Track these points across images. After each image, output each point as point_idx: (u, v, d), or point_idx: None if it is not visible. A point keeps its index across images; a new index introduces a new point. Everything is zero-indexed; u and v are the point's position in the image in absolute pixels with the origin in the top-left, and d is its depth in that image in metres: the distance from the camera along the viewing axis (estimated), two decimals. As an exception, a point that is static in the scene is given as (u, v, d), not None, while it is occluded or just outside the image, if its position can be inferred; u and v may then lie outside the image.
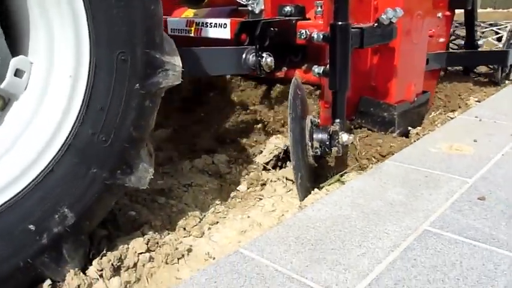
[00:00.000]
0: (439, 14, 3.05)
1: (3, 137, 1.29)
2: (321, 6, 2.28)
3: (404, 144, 2.45)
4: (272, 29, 2.16)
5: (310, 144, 2.02)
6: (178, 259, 1.53)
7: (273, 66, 2.11)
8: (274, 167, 2.37)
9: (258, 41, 2.09)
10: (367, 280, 1.27)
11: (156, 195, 2.04)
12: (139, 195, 2.00)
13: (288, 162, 2.34)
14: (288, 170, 2.22)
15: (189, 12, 2.96)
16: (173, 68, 1.38)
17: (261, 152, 2.45)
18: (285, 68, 2.33)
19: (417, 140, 2.55)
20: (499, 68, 3.89)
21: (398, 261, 1.36)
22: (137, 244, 1.51)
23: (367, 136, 2.55)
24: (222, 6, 2.90)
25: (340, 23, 1.97)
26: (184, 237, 1.68)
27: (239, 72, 2.44)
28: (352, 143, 2.24)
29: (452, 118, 2.94)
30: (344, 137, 2.01)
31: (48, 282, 1.29)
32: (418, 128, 2.76)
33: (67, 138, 1.28)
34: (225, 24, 2.35)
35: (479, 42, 3.79)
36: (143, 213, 1.84)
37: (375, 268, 1.33)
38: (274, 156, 2.37)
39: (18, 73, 1.29)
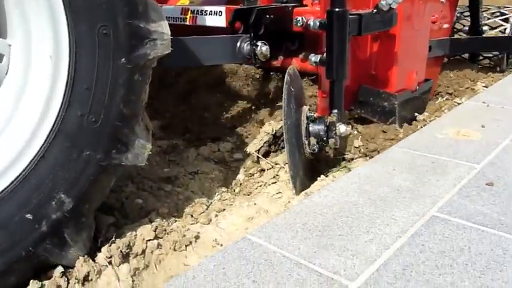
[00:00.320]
0: None
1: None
2: None
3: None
4: (267, 16, 2.09)
5: (306, 142, 1.96)
6: (186, 246, 1.53)
7: (269, 55, 2.05)
8: (266, 154, 2.30)
9: (252, 29, 2.02)
10: (375, 265, 1.27)
11: (163, 183, 2.05)
12: (145, 182, 2.00)
13: (280, 147, 2.31)
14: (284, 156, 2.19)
15: (185, 0, 2.91)
16: (161, 36, 1.30)
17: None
18: (281, 57, 2.26)
19: (423, 126, 2.53)
20: (504, 55, 3.81)
21: (406, 247, 1.36)
22: (145, 231, 1.52)
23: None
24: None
25: (337, 9, 1.91)
26: (192, 224, 1.68)
27: (233, 62, 2.39)
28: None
29: (459, 104, 2.91)
30: (341, 128, 1.95)
31: (59, 269, 1.30)
32: (425, 114, 2.74)
33: (55, 122, 1.23)
34: (220, 11, 2.29)
35: (484, 28, 3.73)
36: (150, 200, 1.85)
37: (383, 254, 1.33)
38: (264, 143, 2.29)
39: (-3, 57, 1.23)
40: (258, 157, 2.24)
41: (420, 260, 1.29)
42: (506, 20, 3.90)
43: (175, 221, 1.68)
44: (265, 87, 2.93)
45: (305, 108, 2.03)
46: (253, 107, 2.82)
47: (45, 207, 1.24)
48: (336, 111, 2.01)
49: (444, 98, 3.10)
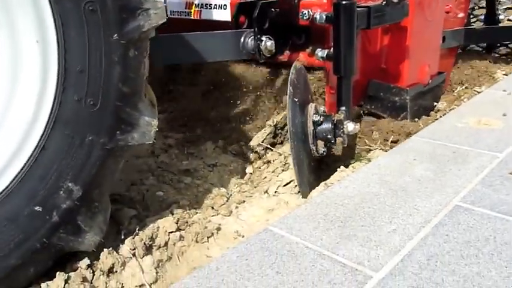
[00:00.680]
0: None
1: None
2: None
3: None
4: (272, 9, 2.01)
5: (314, 147, 1.88)
6: (207, 238, 1.55)
7: (274, 50, 1.98)
8: (273, 144, 2.30)
9: (256, 23, 1.95)
10: (400, 256, 1.26)
11: (182, 175, 2.07)
12: (166, 175, 2.02)
13: (285, 138, 2.29)
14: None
15: None
16: (154, 5, 1.21)
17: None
18: (287, 52, 2.18)
19: (443, 115, 2.49)
20: None
21: (430, 237, 1.35)
22: (167, 223, 1.53)
23: None
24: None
25: (344, 2, 1.82)
26: (213, 216, 1.69)
27: (238, 58, 2.29)
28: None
29: (479, 92, 2.86)
30: (350, 126, 1.86)
31: (85, 262, 1.32)
32: (444, 103, 2.70)
33: (52, 109, 1.17)
34: (224, 5, 2.23)
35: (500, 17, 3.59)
36: (170, 193, 1.87)
37: (407, 244, 1.32)
38: (267, 135, 2.28)
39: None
40: (266, 148, 2.24)
41: (445, 250, 1.28)
42: None
43: (196, 213, 1.69)
44: (275, 83, 2.89)
45: (311, 108, 1.91)
46: (262, 101, 2.79)
47: (53, 197, 1.21)
48: (343, 108, 1.92)
49: (463, 87, 3.04)
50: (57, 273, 1.27)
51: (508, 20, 3.80)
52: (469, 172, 1.74)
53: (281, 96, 2.75)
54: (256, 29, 1.94)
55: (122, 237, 1.48)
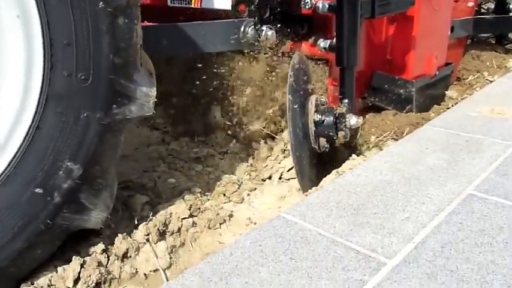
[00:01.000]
0: None
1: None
2: None
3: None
4: None
5: (316, 144, 1.81)
6: (220, 224, 1.56)
7: (275, 40, 1.89)
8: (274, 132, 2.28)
9: (256, 13, 1.89)
10: (413, 244, 1.26)
11: (193, 163, 2.07)
12: (177, 162, 2.03)
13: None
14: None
15: None
16: None
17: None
18: (289, 42, 2.12)
19: (455, 104, 2.47)
20: None
21: (443, 225, 1.34)
22: (180, 210, 1.54)
23: None
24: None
25: None
26: (225, 203, 1.70)
27: (237, 48, 2.20)
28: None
29: (491, 81, 2.83)
30: (352, 120, 1.79)
31: (100, 246, 1.33)
32: (456, 92, 2.68)
33: (41, 88, 1.12)
34: None
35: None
36: (182, 180, 1.88)
37: (420, 232, 1.32)
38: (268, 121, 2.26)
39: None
40: (267, 133, 2.23)
41: (459, 238, 1.28)
42: None
43: (208, 199, 1.70)
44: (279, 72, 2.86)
45: (312, 100, 1.81)
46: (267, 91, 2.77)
47: (53, 178, 1.17)
48: (346, 101, 1.85)
49: (475, 76, 3.01)
50: (73, 257, 1.29)
51: None
52: (483, 161, 1.73)
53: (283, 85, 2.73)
54: (256, 18, 1.88)
55: (136, 223, 1.50)
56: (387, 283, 1.11)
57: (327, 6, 1.88)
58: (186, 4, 2.43)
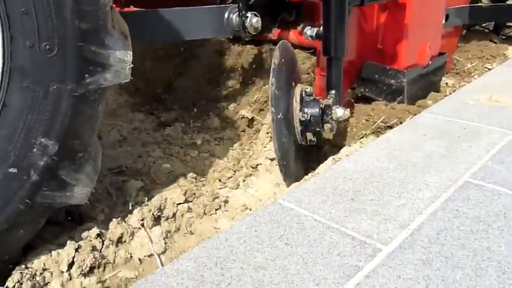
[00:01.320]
0: None
1: None
2: None
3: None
4: None
5: (301, 136, 1.73)
6: (216, 210, 1.55)
7: (260, 28, 1.82)
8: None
9: None
10: (409, 230, 1.26)
11: (189, 148, 2.06)
12: (172, 148, 2.01)
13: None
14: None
15: None
16: None
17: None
18: (276, 29, 2.04)
19: (453, 92, 2.46)
20: None
21: (439, 212, 1.34)
22: (175, 195, 1.53)
23: None
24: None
25: None
26: (220, 188, 1.69)
27: (221, 36, 2.15)
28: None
29: (490, 69, 2.82)
30: (339, 112, 1.71)
31: (95, 231, 1.32)
32: (454, 80, 2.66)
33: (3, 62, 1.05)
34: None
35: None
36: (177, 165, 1.86)
37: (416, 218, 1.31)
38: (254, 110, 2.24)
39: None
40: (252, 118, 2.20)
41: (454, 225, 1.28)
42: None
43: (204, 185, 1.69)
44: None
45: (297, 91, 1.73)
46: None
47: (27, 156, 1.12)
48: (333, 92, 1.77)
49: (474, 64, 2.99)
50: (68, 242, 1.28)
51: None
52: (481, 149, 1.73)
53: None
54: (240, 4, 1.78)
55: (130, 208, 1.49)
56: (382, 269, 1.11)
57: None
58: None
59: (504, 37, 3.70)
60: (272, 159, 1.89)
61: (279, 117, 1.61)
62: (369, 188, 1.49)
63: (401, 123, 2.04)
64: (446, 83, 2.62)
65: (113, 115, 2.46)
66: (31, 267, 1.22)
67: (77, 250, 1.26)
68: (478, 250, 1.18)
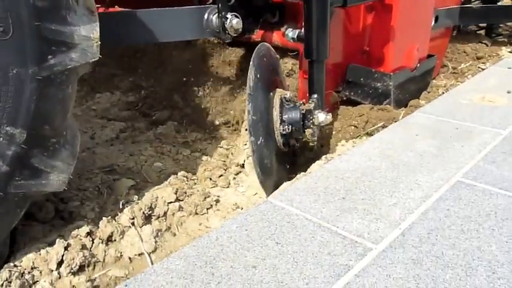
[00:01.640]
0: None
1: None
2: None
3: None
4: None
5: (281, 139, 1.66)
6: (207, 209, 1.54)
7: (240, 29, 1.76)
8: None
9: None
10: (400, 229, 1.26)
11: (181, 147, 2.05)
12: (164, 147, 2.00)
13: None
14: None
15: None
16: None
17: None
18: (258, 31, 1.99)
19: (445, 92, 2.47)
20: None
21: (430, 212, 1.34)
22: (166, 194, 1.52)
23: None
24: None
25: None
26: (212, 187, 1.68)
27: (200, 37, 2.07)
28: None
29: (483, 69, 2.82)
30: (320, 117, 1.65)
31: (85, 229, 1.31)
32: (447, 79, 2.67)
33: None
34: None
35: None
36: (169, 164, 1.85)
37: (407, 218, 1.31)
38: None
39: None
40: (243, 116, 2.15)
41: (445, 225, 1.28)
42: None
43: (195, 184, 1.68)
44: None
45: (277, 95, 1.65)
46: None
47: None
48: (315, 96, 1.71)
49: (468, 64, 3.00)
50: (57, 240, 1.27)
51: None
52: (473, 148, 1.73)
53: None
54: (220, 5, 1.72)
55: (121, 206, 1.48)
56: (373, 268, 1.11)
57: None
58: None
59: (497, 37, 3.70)
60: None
61: (259, 143, 1.54)
62: (360, 187, 1.48)
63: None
64: (440, 84, 2.62)
65: (105, 113, 2.45)
66: (20, 266, 1.21)
67: (66, 248, 1.25)
68: (468, 250, 1.18)
